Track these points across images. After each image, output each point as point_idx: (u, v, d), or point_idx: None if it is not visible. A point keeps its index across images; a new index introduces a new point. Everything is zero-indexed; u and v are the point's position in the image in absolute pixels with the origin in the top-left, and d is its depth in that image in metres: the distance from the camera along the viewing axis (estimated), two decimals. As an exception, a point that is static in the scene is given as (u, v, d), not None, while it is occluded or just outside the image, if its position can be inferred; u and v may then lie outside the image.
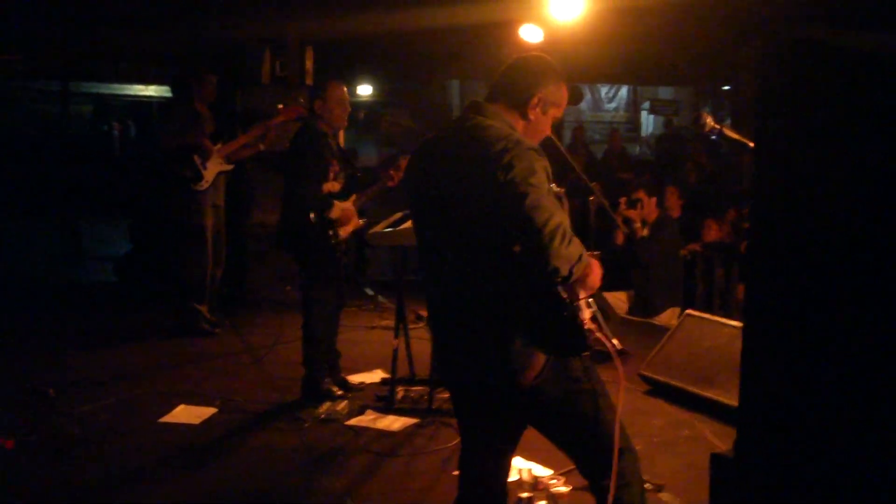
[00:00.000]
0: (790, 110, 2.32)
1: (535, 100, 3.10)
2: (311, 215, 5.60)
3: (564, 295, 2.80)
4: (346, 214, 5.79)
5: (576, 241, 2.76)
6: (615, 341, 3.00)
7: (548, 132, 3.21)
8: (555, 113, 3.17)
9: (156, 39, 10.70)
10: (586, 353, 2.95)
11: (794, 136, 2.35)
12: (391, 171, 6.04)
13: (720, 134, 4.07)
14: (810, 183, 2.28)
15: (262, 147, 7.72)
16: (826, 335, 2.31)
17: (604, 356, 3.00)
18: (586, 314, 2.90)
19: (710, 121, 4.05)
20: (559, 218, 2.72)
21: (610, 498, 2.95)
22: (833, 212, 2.25)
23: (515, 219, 2.73)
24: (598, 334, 2.93)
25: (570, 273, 2.74)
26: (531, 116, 3.11)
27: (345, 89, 5.94)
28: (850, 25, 2.21)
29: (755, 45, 2.46)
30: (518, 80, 3.13)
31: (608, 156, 13.50)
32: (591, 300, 2.96)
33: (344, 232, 5.77)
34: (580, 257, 2.76)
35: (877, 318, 2.16)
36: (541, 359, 2.89)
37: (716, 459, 3.10)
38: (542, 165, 2.83)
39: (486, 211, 2.82)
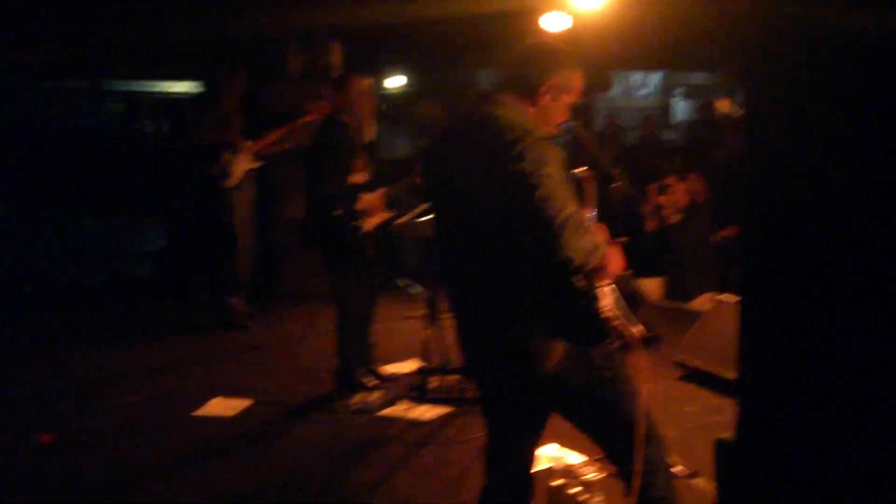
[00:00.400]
0: (775, 92, 2.29)
1: (545, 87, 3.06)
2: (337, 211, 5.60)
3: (580, 284, 2.78)
4: (372, 206, 5.78)
5: (590, 230, 2.74)
6: (640, 328, 2.98)
7: (561, 119, 3.15)
8: (567, 99, 3.13)
9: (183, 35, 10.74)
10: (610, 343, 2.93)
11: (781, 121, 2.32)
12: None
13: (732, 121, 4.03)
14: (799, 169, 2.25)
15: (287, 146, 7.77)
16: (822, 322, 2.29)
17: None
18: (608, 301, 2.88)
19: (721, 107, 4.01)
20: (571, 209, 2.70)
21: (636, 486, 2.94)
22: (819, 195, 2.23)
23: (527, 210, 2.71)
24: (620, 322, 2.91)
25: (584, 263, 2.72)
26: (541, 104, 3.07)
27: (369, 82, 5.92)
28: (829, 4, 2.18)
29: (738, 26, 2.42)
30: (527, 69, 3.08)
31: (643, 142, 13.39)
32: (613, 286, 2.94)
33: (369, 224, 5.76)
34: (595, 247, 2.74)
35: (873, 303, 2.14)
36: (560, 347, 2.87)
37: (720, 444, 3.10)
38: (553, 155, 2.79)
39: (500, 202, 2.80)
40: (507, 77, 3.11)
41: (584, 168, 4.03)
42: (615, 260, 2.94)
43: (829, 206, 2.20)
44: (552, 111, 3.11)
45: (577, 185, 3.85)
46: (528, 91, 3.06)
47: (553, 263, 2.70)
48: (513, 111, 2.99)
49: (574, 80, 3.12)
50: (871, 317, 2.16)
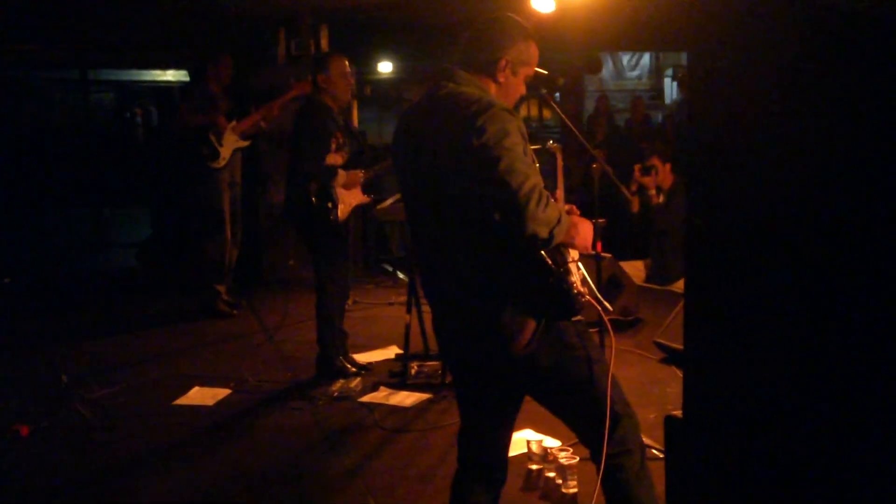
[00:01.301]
0: (728, 59, 2.26)
1: (503, 62, 3.03)
2: (312, 195, 5.56)
3: (549, 260, 2.75)
4: (352, 181, 5.73)
5: (553, 202, 2.71)
6: (606, 305, 2.96)
7: (522, 91, 3.14)
8: (526, 72, 3.11)
9: (172, 21, 10.69)
10: (577, 318, 2.91)
11: (723, 86, 2.29)
12: None
13: None
14: (753, 140, 2.22)
15: (263, 125, 7.76)
16: (759, 297, 2.28)
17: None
18: (576, 278, 2.85)
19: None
20: (534, 180, 2.67)
21: (601, 463, 2.91)
22: (756, 172, 2.22)
23: (490, 184, 2.68)
24: (589, 298, 2.88)
25: (551, 236, 2.69)
26: (501, 79, 3.05)
27: (347, 62, 5.89)
28: None
29: None
30: (484, 45, 3.06)
31: (631, 124, 13.36)
32: (579, 263, 2.91)
33: (345, 209, 5.70)
34: (559, 219, 2.70)
35: (811, 276, 2.12)
36: (531, 325, 2.84)
37: (668, 420, 3.10)
38: (515, 126, 2.77)
39: (465, 178, 2.77)
40: (465, 55, 3.08)
41: (553, 142, 4.01)
42: (583, 232, 2.90)
43: (764, 182, 2.17)
44: (512, 85, 3.09)
45: (549, 158, 3.82)
46: (488, 66, 3.04)
47: (519, 236, 2.68)
48: (474, 86, 2.97)
49: (531, 52, 3.10)
50: (801, 294, 2.14)
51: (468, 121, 2.76)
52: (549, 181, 3.73)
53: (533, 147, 2.91)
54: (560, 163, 3.57)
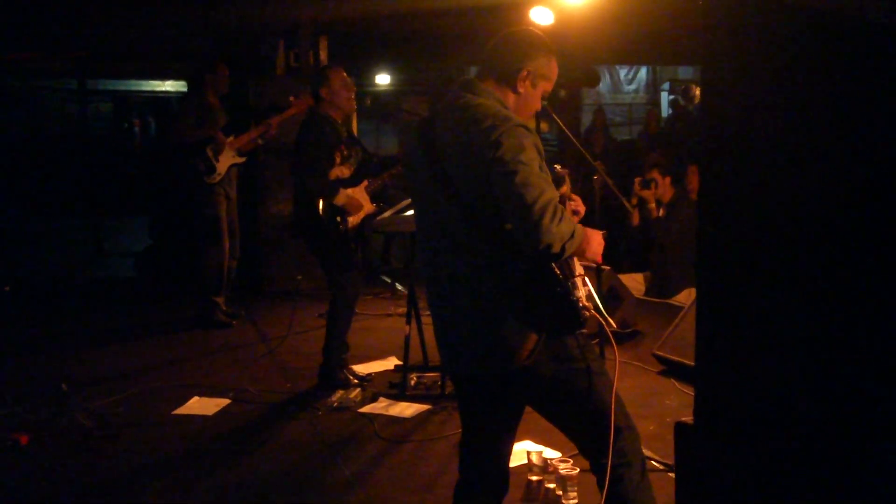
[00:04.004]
0: (738, 70, 2.28)
1: (525, 73, 3.07)
2: (321, 205, 5.59)
3: (558, 271, 2.77)
4: (354, 201, 5.77)
5: (567, 217, 2.74)
6: (610, 321, 2.98)
7: (538, 106, 3.17)
8: (545, 86, 3.14)
9: (170, 33, 10.72)
10: (582, 331, 2.93)
11: (742, 103, 2.31)
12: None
13: None
14: (761, 149, 2.24)
15: (260, 142, 7.76)
16: (771, 303, 2.29)
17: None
18: (582, 292, 2.87)
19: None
20: (549, 195, 2.71)
21: (607, 476, 2.92)
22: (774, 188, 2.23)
23: (505, 197, 2.71)
24: (594, 313, 2.89)
25: (563, 249, 2.72)
26: (521, 90, 3.08)
27: (345, 73, 5.92)
28: None
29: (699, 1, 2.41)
30: (506, 55, 3.10)
31: (641, 137, 13.38)
32: (586, 279, 2.93)
33: (353, 220, 5.74)
34: (573, 233, 2.73)
35: (826, 286, 2.14)
36: (533, 338, 2.86)
37: (678, 427, 3.11)
38: (531, 142, 2.81)
39: (478, 190, 2.80)
40: (486, 65, 3.12)
41: (561, 166, 4.04)
42: (594, 244, 2.93)
43: (775, 191, 2.19)
44: (531, 98, 3.12)
45: (557, 182, 3.85)
46: (509, 77, 3.07)
47: (533, 250, 2.70)
48: (493, 98, 3.00)
49: (552, 68, 3.15)
50: (814, 299, 2.15)
51: (484, 134, 2.79)
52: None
53: None
54: (567, 188, 3.60)
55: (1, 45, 10.71)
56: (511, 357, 2.88)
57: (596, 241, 2.96)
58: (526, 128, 2.85)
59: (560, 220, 2.70)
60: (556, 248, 2.70)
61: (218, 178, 7.59)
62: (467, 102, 2.97)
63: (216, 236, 7.68)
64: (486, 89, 3.04)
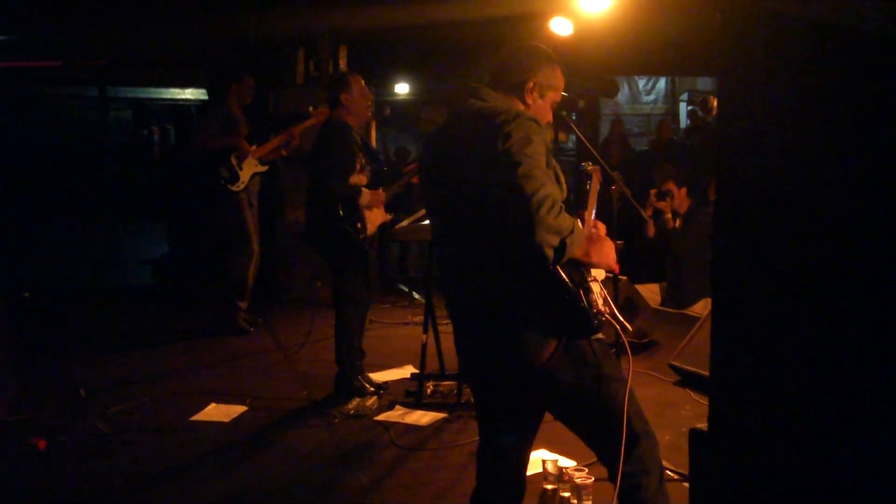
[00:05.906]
0: (752, 82, 2.28)
1: (532, 84, 3.11)
2: (341, 215, 5.60)
3: (566, 278, 2.77)
4: (378, 197, 5.77)
5: (565, 214, 2.72)
6: (626, 325, 2.98)
7: (549, 117, 3.21)
8: (553, 97, 3.19)
9: (191, 42, 10.78)
10: (599, 337, 2.93)
11: (757, 113, 2.32)
12: (414, 165, 6.04)
13: None
14: (776, 159, 2.25)
15: (284, 153, 7.79)
16: (786, 313, 2.30)
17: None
18: (597, 297, 2.88)
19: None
20: (549, 189, 2.70)
21: (617, 481, 2.92)
22: (793, 184, 2.23)
23: (506, 187, 2.71)
24: (609, 318, 2.90)
25: (563, 245, 2.70)
26: (529, 101, 3.12)
27: (363, 82, 5.95)
28: None
29: (717, 16, 2.42)
30: (513, 66, 3.15)
31: (655, 147, 13.36)
32: (600, 283, 2.93)
33: (370, 228, 5.76)
34: (571, 230, 2.71)
35: (841, 297, 2.14)
36: (552, 343, 2.86)
37: (693, 434, 3.10)
38: (540, 137, 2.82)
39: (488, 183, 2.80)
40: (494, 78, 3.16)
41: (590, 162, 4.03)
42: (603, 247, 2.93)
43: (790, 201, 2.19)
44: (540, 108, 3.16)
45: (584, 178, 3.85)
46: (517, 87, 3.11)
47: (529, 243, 2.68)
48: (501, 102, 3.03)
49: (558, 78, 3.19)
50: (829, 319, 2.16)
51: (495, 126, 2.81)
52: (581, 200, 3.75)
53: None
54: (596, 185, 3.60)
55: (22, 53, 10.79)
56: (530, 360, 2.87)
57: (606, 247, 2.96)
58: (536, 122, 2.87)
59: (557, 214, 2.68)
60: (554, 242, 2.67)
61: (241, 186, 7.65)
62: (478, 107, 3.00)
63: (243, 242, 7.73)
64: (496, 97, 3.07)
